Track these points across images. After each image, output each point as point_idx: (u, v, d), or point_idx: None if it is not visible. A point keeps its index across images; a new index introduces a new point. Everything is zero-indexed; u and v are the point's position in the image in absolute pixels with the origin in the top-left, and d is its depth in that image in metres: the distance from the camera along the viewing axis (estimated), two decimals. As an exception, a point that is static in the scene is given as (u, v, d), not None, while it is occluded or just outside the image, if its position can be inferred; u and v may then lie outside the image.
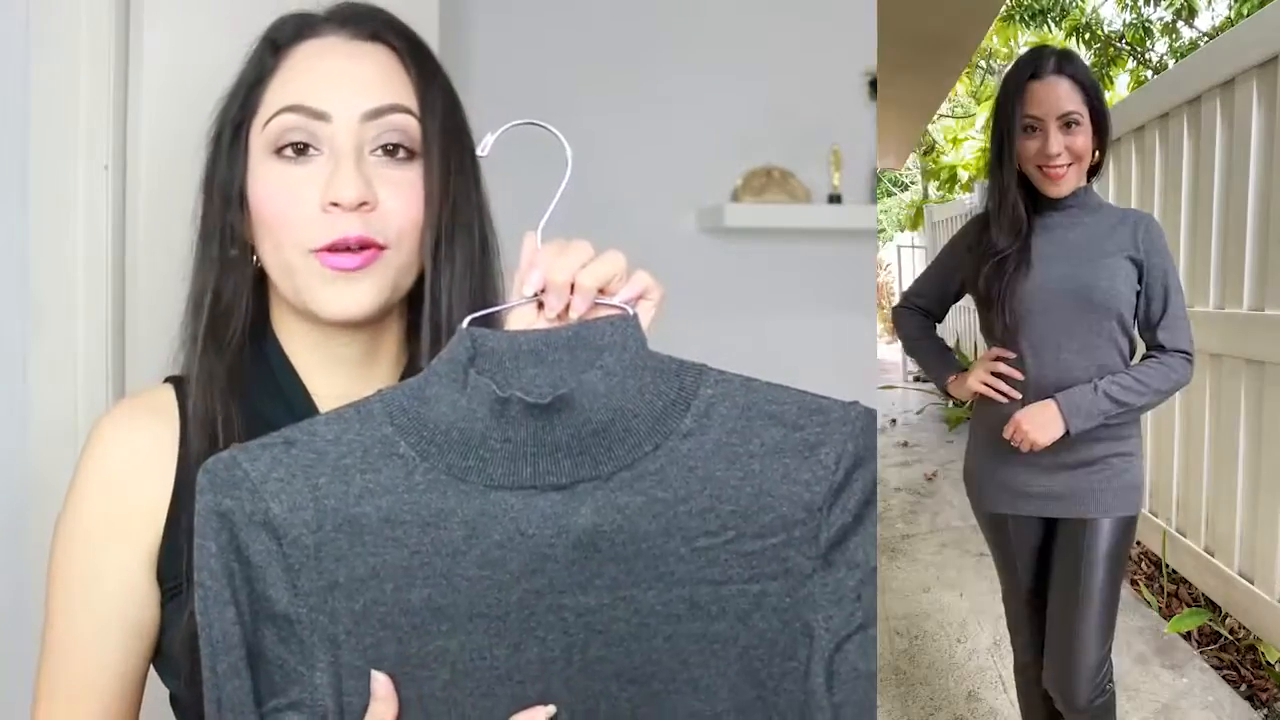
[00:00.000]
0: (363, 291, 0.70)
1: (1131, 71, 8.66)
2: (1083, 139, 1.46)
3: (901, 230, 12.59)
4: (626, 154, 1.93)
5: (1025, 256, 1.49)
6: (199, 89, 0.76)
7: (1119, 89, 8.61)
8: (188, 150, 0.76)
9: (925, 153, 11.39)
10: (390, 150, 0.71)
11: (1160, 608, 2.84)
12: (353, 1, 0.75)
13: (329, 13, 0.74)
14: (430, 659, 0.61)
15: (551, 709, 0.60)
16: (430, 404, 0.61)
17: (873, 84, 2.11)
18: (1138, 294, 1.48)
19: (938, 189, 10.73)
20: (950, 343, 6.62)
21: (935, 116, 8.26)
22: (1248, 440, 2.49)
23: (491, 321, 0.65)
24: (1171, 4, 7.97)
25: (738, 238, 2.03)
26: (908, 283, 9.40)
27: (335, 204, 0.68)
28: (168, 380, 0.76)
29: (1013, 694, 2.11)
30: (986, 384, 1.53)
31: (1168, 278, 1.49)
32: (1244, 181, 2.44)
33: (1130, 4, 8.24)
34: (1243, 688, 2.36)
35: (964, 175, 9.70)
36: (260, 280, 0.75)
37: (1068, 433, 1.44)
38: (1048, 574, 1.59)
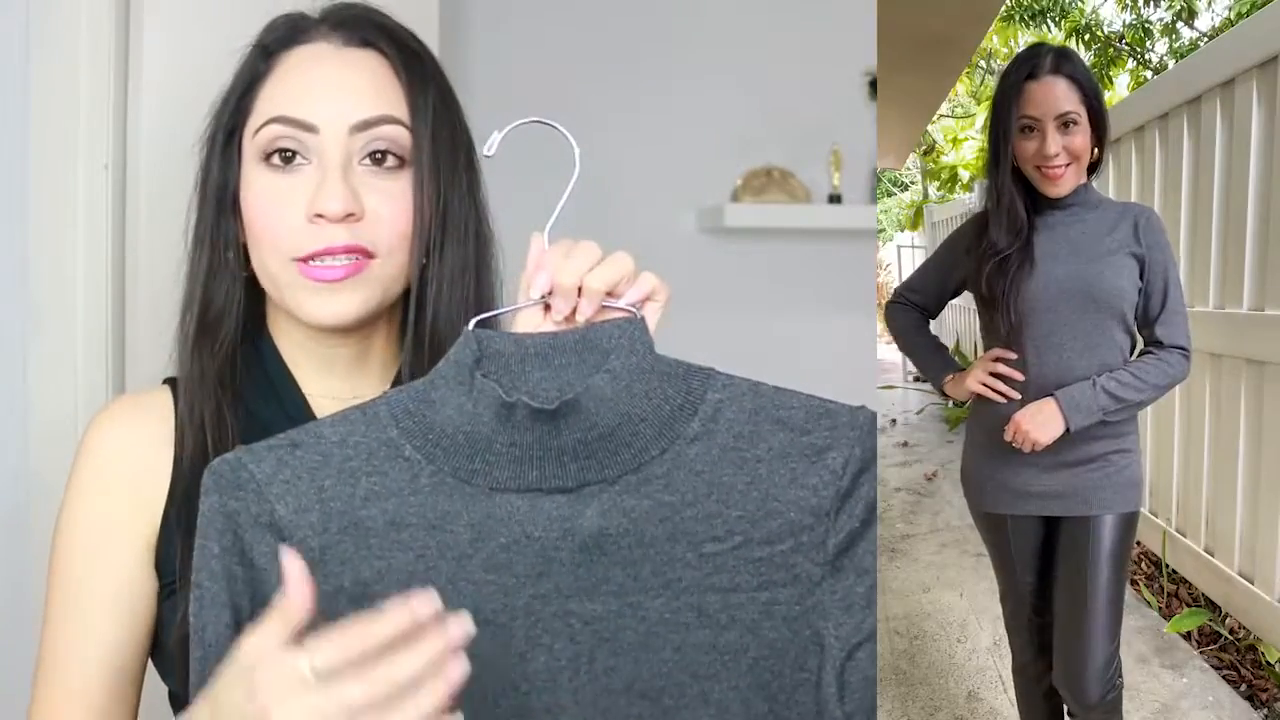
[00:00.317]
0: (346, 301, 0.69)
1: (1131, 72, 8.66)
2: (1081, 139, 1.46)
3: (901, 230, 12.58)
4: (626, 154, 1.93)
5: (1028, 255, 1.48)
6: (199, 89, 0.76)
7: (1119, 89, 8.61)
8: (187, 150, 0.76)
9: (925, 153, 11.39)
10: (379, 159, 0.70)
11: (1160, 608, 2.84)
12: (347, 3, 0.75)
13: (322, 15, 0.74)
14: None
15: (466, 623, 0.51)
16: (436, 407, 0.61)
17: (873, 84, 2.11)
18: (1139, 289, 1.48)
19: (938, 189, 10.73)
20: (950, 343, 6.63)
21: (935, 116, 8.26)
22: (1248, 440, 2.49)
23: (497, 324, 0.65)
24: (1171, 5, 7.97)
25: (738, 238, 2.03)
26: (908, 283, 9.35)
27: (321, 215, 0.68)
28: (165, 382, 0.76)
29: (1013, 694, 2.11)
30: (985, 384, 1.52)
31: (1168, 273, 1.48)
32: (1244, 181, 2.43)
33: (1130, 4, 8.24)
34: (1243, 688, 2.36)
35: (964, 175, 9.71)
36: (256, 281, 0.75)
37: (1067, 431, 1.44)
38: (1048, 573, 1.59)
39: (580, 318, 0.63)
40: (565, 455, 0.60)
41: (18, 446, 1.00)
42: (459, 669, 0.49)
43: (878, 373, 6.34)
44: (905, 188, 16.92)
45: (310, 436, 0.61)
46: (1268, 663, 2.41)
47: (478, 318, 0.63)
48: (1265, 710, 2.26)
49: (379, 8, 0.76)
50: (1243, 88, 2.44)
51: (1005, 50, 9.20)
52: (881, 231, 14.97)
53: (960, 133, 10.47)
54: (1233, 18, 6.83)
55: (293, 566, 0.51)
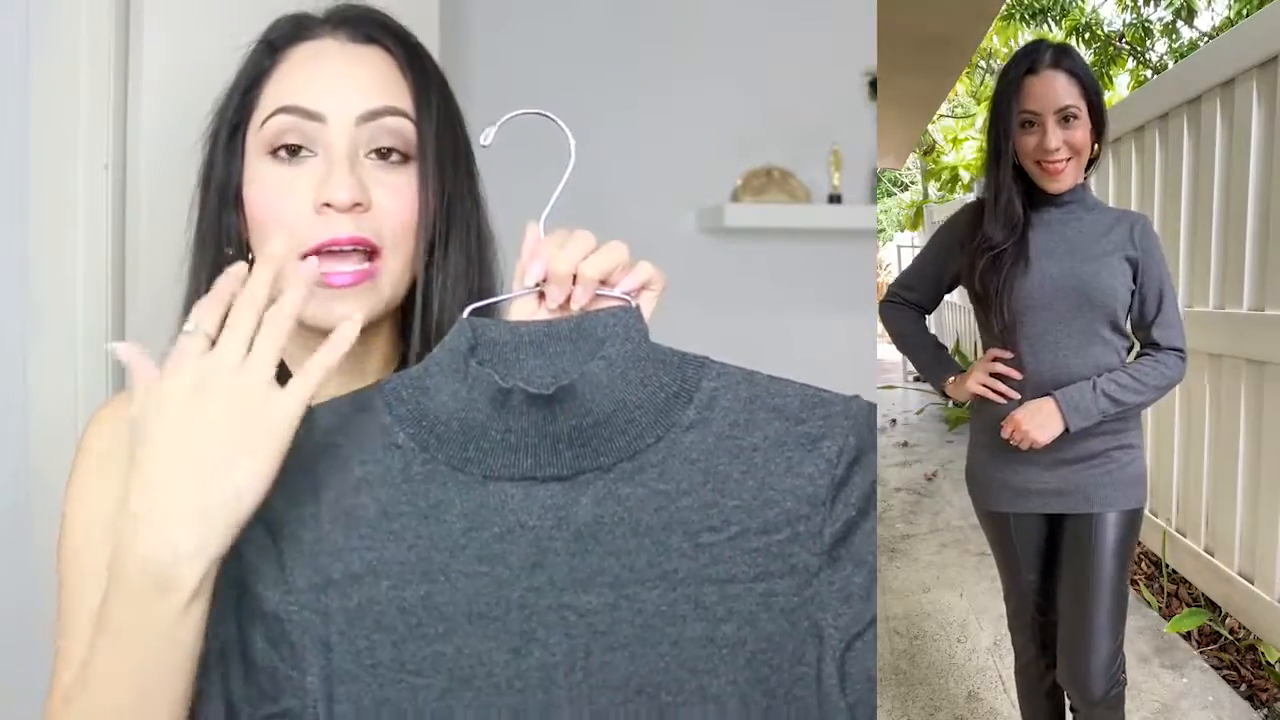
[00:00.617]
0: (350, 310, 0.69)
1: (1131, 71, 8.67)
2: (1081, 133, 1.46)
3: (901, 230, 12.58)
4: (626, 154, 1.93)
5: (1023, 252, 1.48)
6: (199, 88, 0.77)
7: (1119, 89, 8.61)
8: (187, 150, 0.76)
9: (925, 153, 11.39)
10: (384, 153, 0.71)
11: (1160, 608, 2.84)
12: (351, 3, 0.75)
13: (327, 14, 0.74)
14: (426, 665, 0.59)
15: None
16: (430, 394, 0.61)
17: (873, 84, 2.11)
18: (1132, 293, 1.49)
19: (939, 189, 10.73)
20: (949, 343, 6.63)
21: (935, 116, 8.26)
22: (1248, 440, 2.49)
23: (492, 313, 0.65)
24: (1171, 4, 7.97)
25: (738, 238, 2.03)
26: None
27: (328, 205, 0.68)
28: None
29: (1013, 694, 2.10)
30: (985, 385, 1.52)
31: (1162, 277, 1.50)
32: (1244, 181, 2.43)
33: (1130, 4, 8.24)
34: (1243, 688, 2.35)
35: (965, 175, 9.71)
36: None
37: (1067, 430, 1.44)
38: (1051, 571, 1.59)
39: (575, 306, 0.63)
40: (560, 442, 0.60)
41: (18, 446, 1.00)
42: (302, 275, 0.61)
43: (878, 373, 6.34)
44: (905, 188, 16.92)
45: (303, 424, 0.61)
46: (1268, 663, 2.41)
47: (472, 305, 0.63)
48: (1265, 710, 2.26)
49: (380, 8, 0.77)
50: (1243, 88, 2.44)
51: (1005, 50, 9.19)
52: (881, 231, 14.96)
53: (960, 133, 10.47)
54: (1233, 17, 6.83)
55: (119, 348, 0.59)
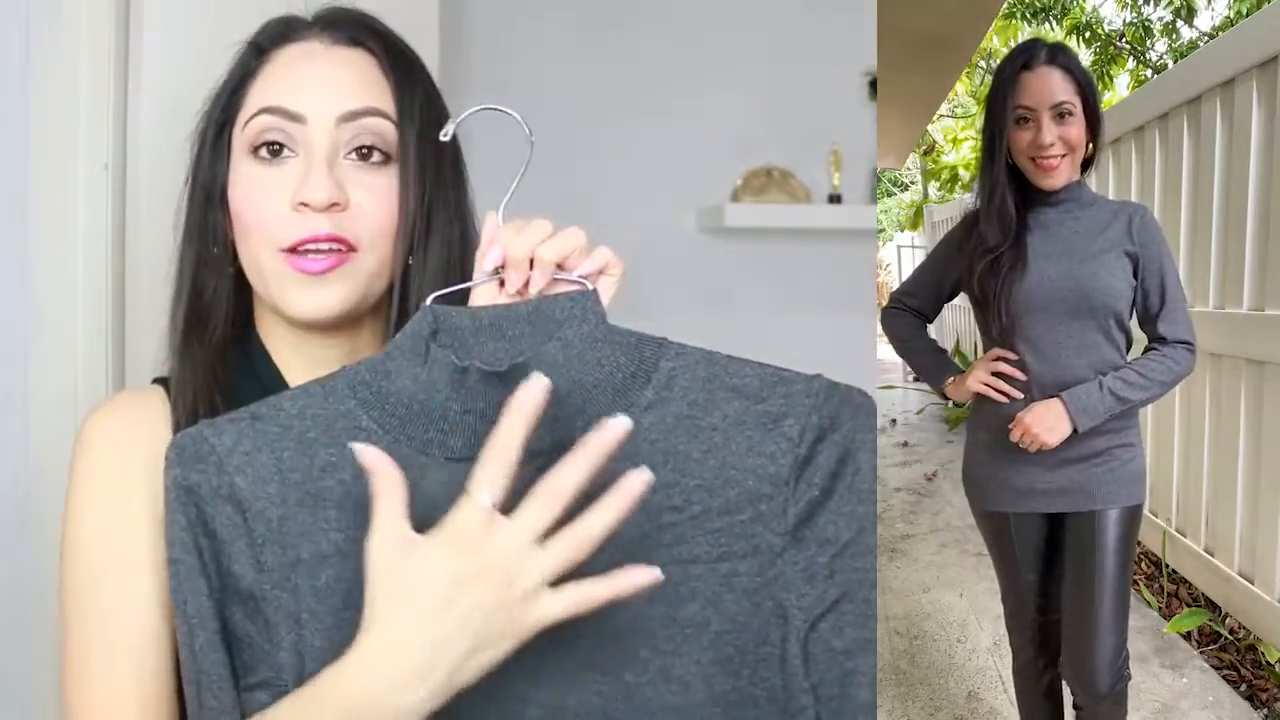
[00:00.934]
0: (331, 294, 0.70)
1: (1131, 71, 8.66)
2: (1076, 130, 1.45)
3: (901, 230, 12.58)
4: (627, 154, 1.93)
5: (1020, 254, 1.48)
6: (199, 89, 0.77)
7: (1119, 89, 8.61)
8: (187, 150, 0.77)
9: (925, 153, 11.38)
10: (364, 154, 0.71)
11: (1160, 608, 2.84)
12: (338, 6, 0.76)
13: (315, 17, 0.75)
14: None
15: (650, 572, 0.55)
16: (392, 377, 0.62)
17: (873, 84, 2.11)
18: (1134, 288, 1.49)
19: (938, 189, 10.73)
20: (949, 343, 6.63)
21: (935, 116, 8.26)
22: (1248, 440, 2.49)
23: (457, 302, 0.66)
24: (1171, 3, 7.97)
25: (738, 238, 2.03)
26: (907, 283, 9.38)
27: (305, 204, 0.69)
28: (155, 382, 0.76)
29: (1013, 694, 2.11)
30: (987, 384, 1.52)
31: (1164, 269, 1.49)
32: (1244, 181, 2.43)
33: (1130, 3, 8.24)
34: (1243, 688, 2.36)
35: (965, 175, 9.70)
36: (244, 280, 0.75)
37: (1075, 430, 1.44)
38: (1050, 571, 1.60)
39: (533, 290, 0.64)
40: None
41: (18, 445, 1.00)
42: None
43: (878, 373, 6.34)
44: (905, 188, 16.92)
45: (270, 409, 0.62)
46: (1268, 663, 2.41)
47: (435, 294, 0.64)
48: (1265, 710, 2.26)
49: (379, 8, 0.77)
50: (1243, 88, 2.44)
51: (1006, 49, 9.18)
52: (881, 231, 14.97)
53: (960, 133, 10.47)
54: (1233, 17, 6.83)
55: (366, 451, 0.56)
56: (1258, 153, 2.39)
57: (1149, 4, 8.13)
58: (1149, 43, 8.35)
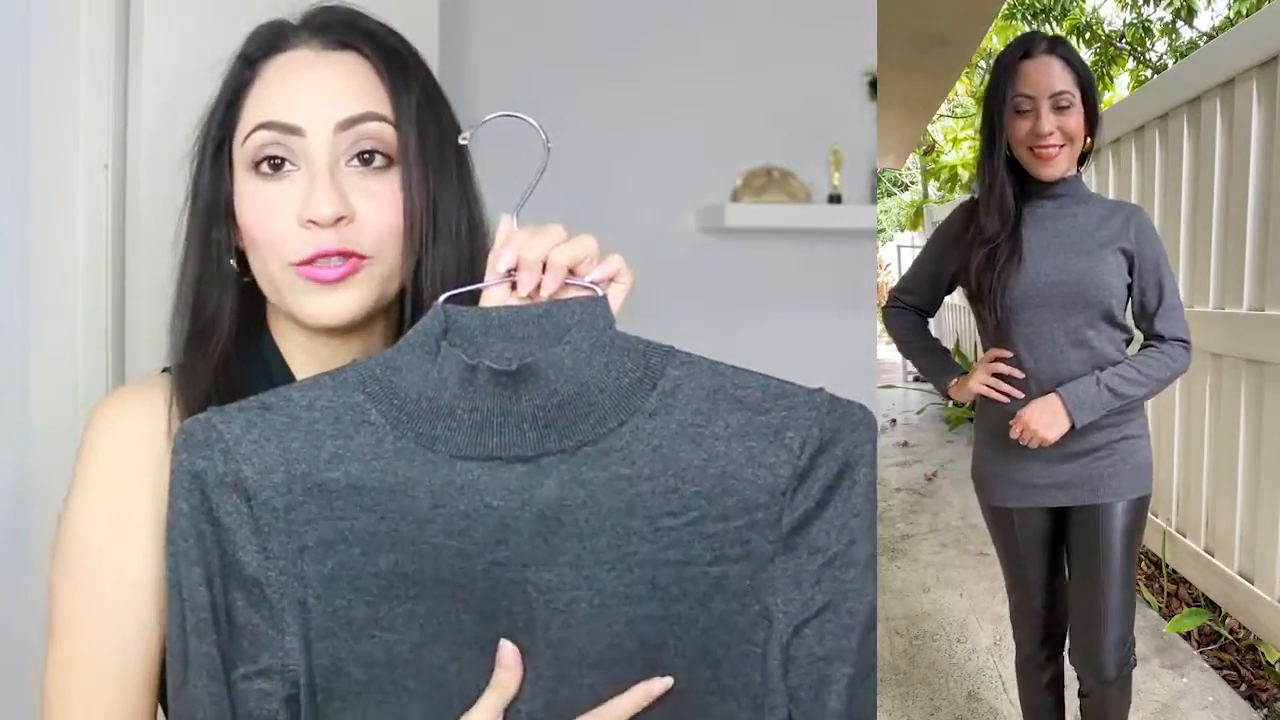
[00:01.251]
0: (346, 300, 0.70)
1: (1131, 71, 8.66)
2: (1075, 120, 1.46)
3: (901, 230, 12.58)
4: (626, 154, 1.93)
5: (1016, 247, 1.48)
6: (199, 89, 0.77)
7: (1119, 89, 8.61)
8: (187, 150, 0.76)
9: (925, 153, 11.39)
10: (366, 159, 0.71)
11: (1160, 608, 2.84)
12: (327, 7, 0.75)
13: (302, 21, 0.74)
14: (399, 621, 0.61)
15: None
16: (401, 373, 0.63)
17: (873, 84, 2.11)
18: (1128, 285, 1.50)
19: (938, 189, 10.73)
20: (949, 343, 6.63)
21: (935, 116, 8.26)
22: (1248, 440, 2.49)
23: (468, 302, 0.66)
24: (1171, 4, 7.97)
25: (738, 238, 2.03)
26: (907, 283, 9.40)
27: (312, 221, 0.68)
28: (165, 371, 0.76)
29: (1013, 694, 2.11)
30: (987, 385, 1.53)
31: (1160, 268, 1.50)
32: (1244, 181, 2.44)
33: (1130, 4, 8.24)
34: (1243, 688, 2.36)
35: (964, 175, 9.70)
36: (256, 287, 0.75)
37: (1073, 426, 1.45)
38: (1055, 563, 1.61)
39: (544, 293, 0.65)
40: (525, 422, 0.61)
41: (18, 446, 1.00)
42: None
43: (878, 373, 6.33)
44: (905, 188, 16.92)
45: (280, 399, 0.63)
46: (1268, 663, 2.41)
47: (447, 293, 0.65)
48: (1265, 710, 2.26)
49: (380, 9, 0.76)
50: (1243, 88, 2.44)
51: (1005, 50, 9.15)
52: (881, 231, 14.96)
53: (960, 132, 10.47)
54: (1233, 17, 6.83)
55: (506, 646, 0.60)
56: (1258, 153, 2.39)
57: (1149, 4, 8.13)
58: (1149, 43, 8.35)
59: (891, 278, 11.86)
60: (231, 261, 0.74)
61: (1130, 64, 8.63)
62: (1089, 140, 1.52)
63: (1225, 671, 2.44)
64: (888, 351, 7.74)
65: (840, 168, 2.13)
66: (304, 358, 0.76)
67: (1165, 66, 7.91)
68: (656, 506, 0.61)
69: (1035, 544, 1.60)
